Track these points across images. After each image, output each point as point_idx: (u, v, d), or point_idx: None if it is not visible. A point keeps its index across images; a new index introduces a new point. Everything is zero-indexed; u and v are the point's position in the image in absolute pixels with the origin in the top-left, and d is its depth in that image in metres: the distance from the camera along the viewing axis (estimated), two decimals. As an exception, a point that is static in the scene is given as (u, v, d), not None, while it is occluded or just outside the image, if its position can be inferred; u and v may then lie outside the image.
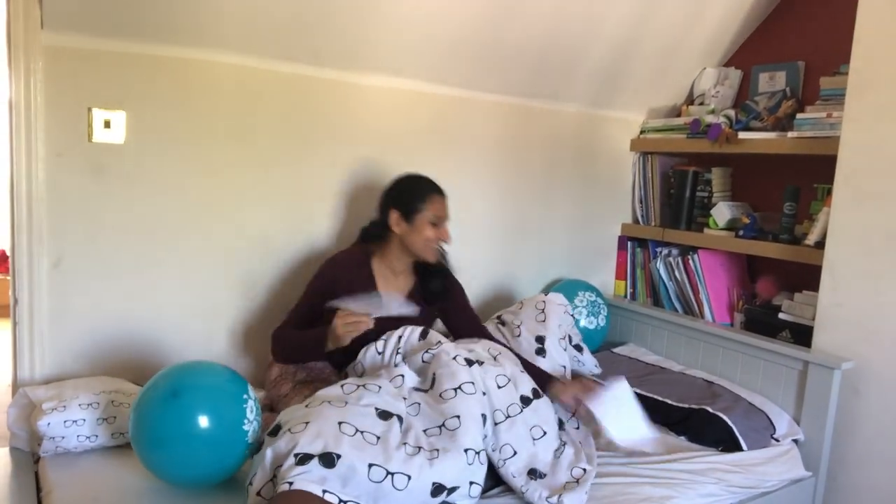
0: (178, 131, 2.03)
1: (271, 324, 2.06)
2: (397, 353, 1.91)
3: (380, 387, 1.69)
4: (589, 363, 2.42)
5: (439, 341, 1.90)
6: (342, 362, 2.04)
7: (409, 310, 1.89)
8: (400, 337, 1.94)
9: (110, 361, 2.03)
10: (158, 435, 1.52)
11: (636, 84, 2.89)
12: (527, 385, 1.89)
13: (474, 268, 2.70)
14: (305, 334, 1.93)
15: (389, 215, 2.02)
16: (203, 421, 1.51)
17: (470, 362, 1.82)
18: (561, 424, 1.94)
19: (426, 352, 1.85)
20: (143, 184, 2.01)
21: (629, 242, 3.09)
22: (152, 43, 1.95)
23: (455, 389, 1.72)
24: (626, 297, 3.08)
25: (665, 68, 2.88)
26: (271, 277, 2.26)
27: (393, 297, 1.91)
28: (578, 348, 2.40)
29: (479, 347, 1.98)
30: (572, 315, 2.42)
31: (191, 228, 2.09)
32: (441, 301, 2.14)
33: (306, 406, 1.58)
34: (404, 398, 1.72)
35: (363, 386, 1.68)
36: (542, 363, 2.06)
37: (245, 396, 1.60)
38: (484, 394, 1.77)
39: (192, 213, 2.09)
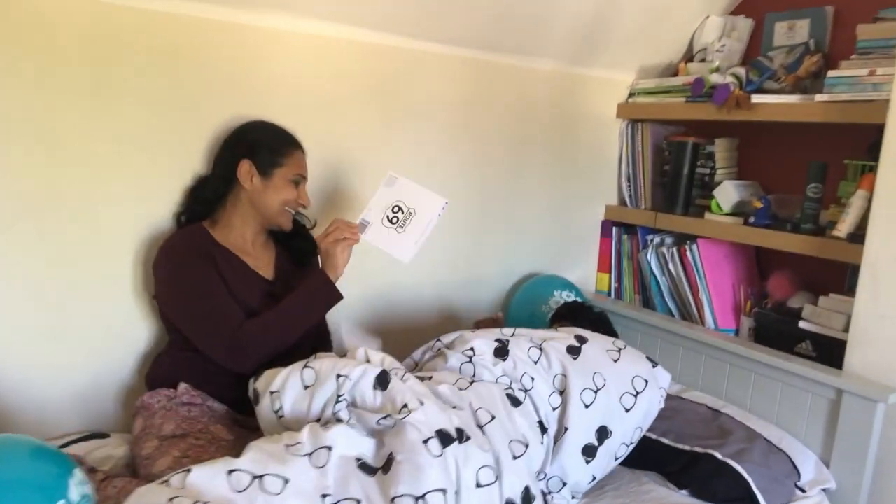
0: (3, 88, 1.47)
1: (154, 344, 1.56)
2: (338, 400, 1.31)
3: (287, 480, 1.16)
4: None
5: (405, 404, 1.29)
6: (235, 398, 1.54)
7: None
8: (343, 378, 1.33)
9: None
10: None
11: (624, 36, 2.36)
12: (517, 482, 1.31)
13: (423, 267, 2.18)
14: (294, 300, 1.54)
15: (238, 167, 1.60)
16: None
17: (446, 440, 1.26)
18: None
19: (385, 417, 1.28)
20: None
21: (614, 228, 2.60)
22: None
23: (416, 499, 1.17)
24: (609, 293, 2.60)
25: (659, 17, 2.35)
26: (146, 281, 1.71)
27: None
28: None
29: (473, 399, 1.41)
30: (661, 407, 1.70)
31: (25, 225, 1.53)
32: (311, 261, 1.77)
33: None
34: (326, 493, 1.17)
35: (260, 479, 1.15)
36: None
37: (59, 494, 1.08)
38: (456, 493, 1.23)
39: (24, 202, 1.52)
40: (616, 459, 1.59)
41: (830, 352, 1.88)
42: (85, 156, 1.58)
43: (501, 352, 1.55)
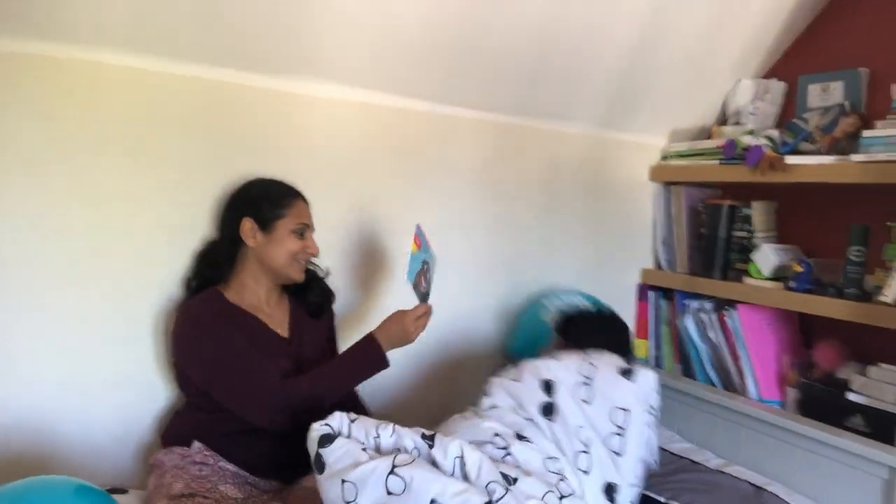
0: (50, 153, 1.53)
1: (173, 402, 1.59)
2: (392, 470, 1.19)
3: None
4: None
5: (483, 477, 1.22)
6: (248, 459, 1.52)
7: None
8: (401, 452, 1.25)
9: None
10: None
11: (655, 101, 2.36)
12: None
13: (452, 327, 2.16)
14: (341, 362, 1.58)
15: (241, 226, 1.60)
16: None
17: None
18: None
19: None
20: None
21: (650, 293, 2.53)
22: (7, 36, 1.46)
23: None
24: (647, 361, 2.51)
25: (691, 80, 2.35)
26: (161, 340, 1.72)
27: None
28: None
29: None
30: (654, 415, 1.53)
31: (64, 281, 1.58)
32: (327, 313, 1.80)
33: None
34: None
35: None
36: None
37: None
38: None
39: (72, 259, 1.58)
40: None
41: (883, 426, 1.76)
42: (126, 216, 1.63)
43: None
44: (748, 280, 2.21)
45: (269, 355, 1.56)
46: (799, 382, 2.06)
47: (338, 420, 1.28)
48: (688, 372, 2.38)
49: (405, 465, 1.19)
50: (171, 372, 1.68)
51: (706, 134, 2.53)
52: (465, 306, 2.18)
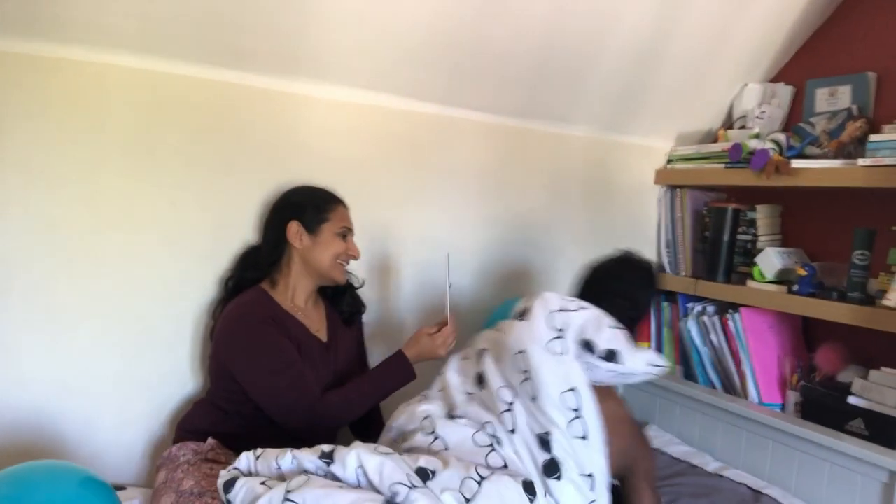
0: (49, 153, 1.55)
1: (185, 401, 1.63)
2: (287, 497, 1.20)
3: None
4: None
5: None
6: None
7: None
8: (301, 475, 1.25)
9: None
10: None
11: (660, 104, 2.36)
12: None
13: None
14: (374, 377, 1.65)
15: (287, 229, 1.67)
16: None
17: None
18: None
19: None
20: (-1, 220, 1.53)
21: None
22: (10, 37, 1.48)
23: None
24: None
25: (697, 84, 2.34)
26: (181, 340, 1.75)
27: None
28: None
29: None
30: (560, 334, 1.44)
31: (68, 280, 1.60)
32: (357, 322, 1.86)
33: None
34: None
35: None
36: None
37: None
38: None
39: (69, 258, 1.60)
40: (600, 454, 1.39)
41: (884, 430, 1.75)
42: (124, 215, 1.65)
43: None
44: (751, 283, 2.20)
45: (312, 361, 1.62)
46: (800, 386, 2.05)
47: (244, 462, 1.31)
48: (689, 374, 2.37)
49: (298, 488, 1.19)
50: (207, 364, 1.71)
51: (712, 137, 2.52)
52: (466, 308, 2.18)
